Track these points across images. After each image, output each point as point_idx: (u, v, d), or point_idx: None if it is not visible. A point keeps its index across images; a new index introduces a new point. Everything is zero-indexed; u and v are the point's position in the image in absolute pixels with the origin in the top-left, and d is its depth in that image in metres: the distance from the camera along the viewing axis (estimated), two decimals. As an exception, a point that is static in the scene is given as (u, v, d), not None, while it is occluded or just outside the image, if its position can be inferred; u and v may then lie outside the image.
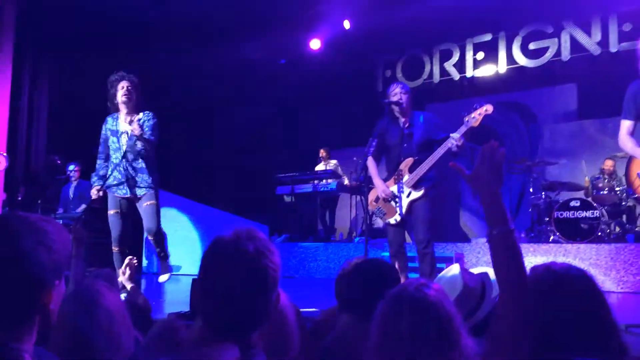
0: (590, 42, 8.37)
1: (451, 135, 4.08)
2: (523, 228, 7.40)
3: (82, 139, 7.79)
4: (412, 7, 8.80)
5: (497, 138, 9.15)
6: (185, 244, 8.03)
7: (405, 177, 4.24)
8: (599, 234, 6.22)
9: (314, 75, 10.07)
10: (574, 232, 6.25)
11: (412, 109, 4.39)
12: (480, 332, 1.45)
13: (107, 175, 4.50)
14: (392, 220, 4.29)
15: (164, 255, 4.73)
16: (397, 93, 4.28)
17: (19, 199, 7.29)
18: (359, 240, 7.67)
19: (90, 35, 8.70)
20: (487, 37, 9.23)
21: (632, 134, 3.36)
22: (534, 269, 1.48)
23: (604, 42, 8.26)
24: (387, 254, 4.73)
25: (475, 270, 2.19)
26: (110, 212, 4.52)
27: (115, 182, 4.47)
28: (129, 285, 3.00)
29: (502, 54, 9.08)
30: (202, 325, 1.25)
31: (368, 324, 1.35)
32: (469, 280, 2.03)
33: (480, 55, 9.31)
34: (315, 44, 9.95)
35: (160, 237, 4.56)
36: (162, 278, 4.88)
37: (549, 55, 8.70)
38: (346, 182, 8.24)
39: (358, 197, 8.27)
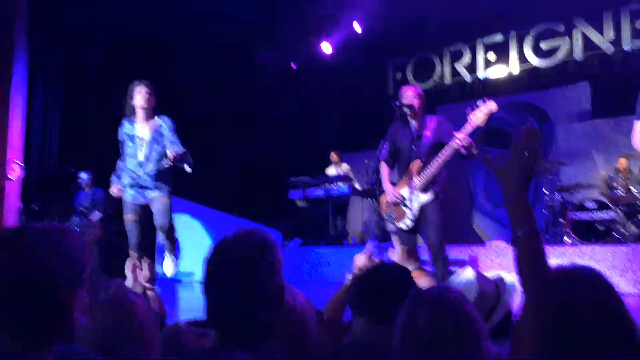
0: (602, 40, 8.29)
1: (455, 134, 4.01)
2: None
3: (93, 147, 7.87)
4: (421, 8, 8.78)
5: (510, 140, 9.08)
6: (198, 250, 8.01)
7: (414, 180, 4.20)
8: (615, 234, 6.14)
9: (325, 79, 10.08)
10: (589, 233, 6.18)
11: (424, 111, 4.36)
12: (496, 335, 1.43)
13: (122, 178, 4.51)
14: (402, 225, 4.24)
15: (171, 248, 4.68)
16: (409, 96, 4.25)
17: (35, 208, 7.35)
18: (375, 247, 7.62)
19: (101, 44, 8.79)
20: (498, 37, 9.18)
21: (646, 134, 3.32)
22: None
23: (616, 40, 8.18)
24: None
25: (489, 274, 2.16)
26: (126, 216, 4.51)
27: (128, 188, 4.47)
28: (146, 288, 2.98)
29: (513, 54, 9.03)
30: (214, 333, 1.26)
31: (384, 327, 1.34)
32: (484, 285, 2.01)
33: (492, 55, 9.26)
34: (326, 48, 9.97)
35: (171, 231, 4.56)
36: (167, 268, 4.77)
37: (561, 54, 8.64)
38: (357, 185, 8.22)
39: (370, 201, 8.25)
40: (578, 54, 8.47)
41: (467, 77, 9.53)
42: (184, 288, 7.43)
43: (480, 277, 2.04)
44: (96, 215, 7.20)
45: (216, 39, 9.47)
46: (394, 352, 1.31)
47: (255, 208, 9.11)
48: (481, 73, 9.37)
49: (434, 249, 4.09)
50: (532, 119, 8.97)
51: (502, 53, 9.15)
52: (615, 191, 6.88)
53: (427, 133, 4.24)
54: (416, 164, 4.20)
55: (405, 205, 4.22)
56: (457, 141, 3.97)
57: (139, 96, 4.41)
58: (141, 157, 4.42)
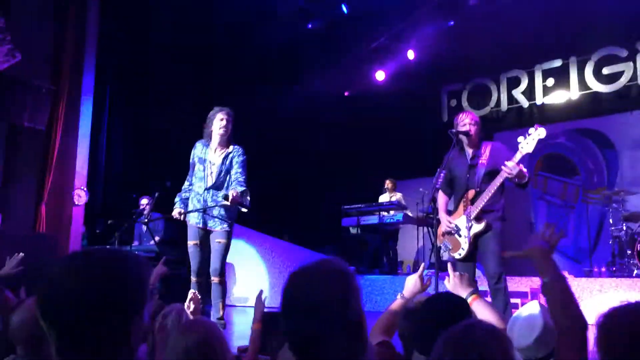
0: (668, 65, 7.98)
1: (506, 163, 3.94)
2: (604, 262, 7.00)
3: (155, 173, 8.12)
4: (476, 35, 8.73)
5: (572, 167, 8.80)
6: (252, 276, 8.12)
7: (469, 210, 4.12)
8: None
9: (379, 107, 10.10)
10: (659, 265, 5.85)
11: (481, 139, 4.29)
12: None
13: (188, 202, 4.55)
14: (457, 255, 4.17)
15: (221, 294, 4.45)
16: (465, 123, 4.19)
17: (97, 232, 7.62)
18: (427, 273, 7.49)
19: (161, 74, 9.13)
20: (557, 62, 8.98)
21: None
22: (606, 315, 1.41)
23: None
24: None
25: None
26: (190, 243, 4.51)
27: (193, 211, 4.50)
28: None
29: (573, 80, 8.80)
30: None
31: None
32: (549, 318, 1.92)
33: (550, 81, 9.05)
34: (380, 76, 10.01)
35: (222, 275, 4.46)
36: (215, 315, 4.52)
37: (624, 79, 8.35)
38: (410, 213, 8.13)
39: (424, 229, 8.12)
40: (642, 78, 8.18)
41: (524, 103, 9.34)
42: (237, 314, 7.48)
43: (545, 311, 1.95)
44: (152, 242, 7.40)
45: (270, 69, 9.70)
46: None
47: (309, 235, 9.12)
48: (539, 99, 9.16)
49: (492, 280, 3.99)
50: (594, 145, 8.67)
51: (561, 79, 8.93)
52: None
53: (482, 161, 4.17)
54: (470, 193, 4.14)
55: (460, 235, 4.14)
56: (506, 169, 3.92)
57: (218, 123, 4.47)
58: (210, 182, 4.48)
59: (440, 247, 4.35)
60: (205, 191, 4.48)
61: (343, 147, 10.45)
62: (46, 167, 6.30)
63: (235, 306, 7.86)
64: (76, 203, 6.55)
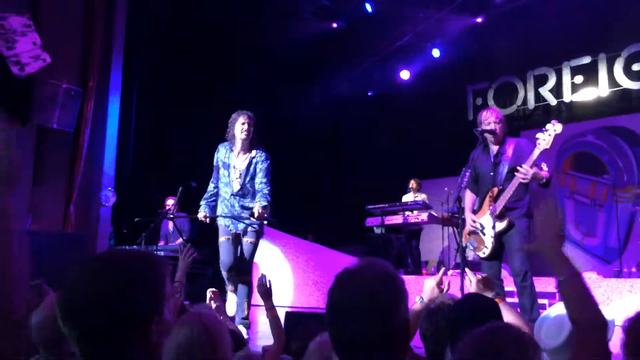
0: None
1: (519, 168, 3.92)
2: (634, 262, 6.84)
3: (180, 174, 8.19)
4: (502, 33, 8.62)
5: (601, 165, 8.62)
6: (276, 276, 8.14)
7: (492, 208, 4.08)
8: None
9: (403, 106, 10.04)
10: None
11: (505, 134, 4.23)
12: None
13: (215, 206, 4.57)
14: (480, 254, 4.16)
15: (247, 293, 4.52)
16: (490, 122, 4.14)
17: (124, 231, 7.72)
18: (453, 273, 7.41)
19: (193, 72, 9.21)
20: (586, 59, 8.80)
21: None
22: (633, 320, 1.39)
23: None
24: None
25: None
26: (222, 238, 4.51)
27: (221, 216, 4.52)
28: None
29: (602, 77, 8.62)
30: None
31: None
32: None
33: (579, 78, 8.88)
34: (404, 75, 9.96)
35: (249, 273, 4.52)
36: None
37: (655, 76, 8.16)
38: (434, 213, 8.06)
39: (449, 229, 8.04)
40: (673, 75, 7.97)
41: (552, 101, 9.18)
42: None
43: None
44: (179, 241, 7.47)
45: (295, 70, 9.71)
46: None
47: (333, 235, 9.11)
48: (567, 97, 9.00)
49: (518, 278, 3.95)
50: (624, 143, 8.49)
51: (590, 76, 8.76)
52: None
53: (506, 158, 4.13)
54: (494, 191, 4.12)
55: (484, 234, 4.11)
56: (521, 175, 3.89)
57: (240, 127, 4.46)
58: (236, 187, 4.49)
59: (465, 246, 4.31)
60: (232, 197, 4.50)
61: (367, 147, 10.42)
62: (74, 168, 6.38)
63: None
64: (104, 204, 6.64)
